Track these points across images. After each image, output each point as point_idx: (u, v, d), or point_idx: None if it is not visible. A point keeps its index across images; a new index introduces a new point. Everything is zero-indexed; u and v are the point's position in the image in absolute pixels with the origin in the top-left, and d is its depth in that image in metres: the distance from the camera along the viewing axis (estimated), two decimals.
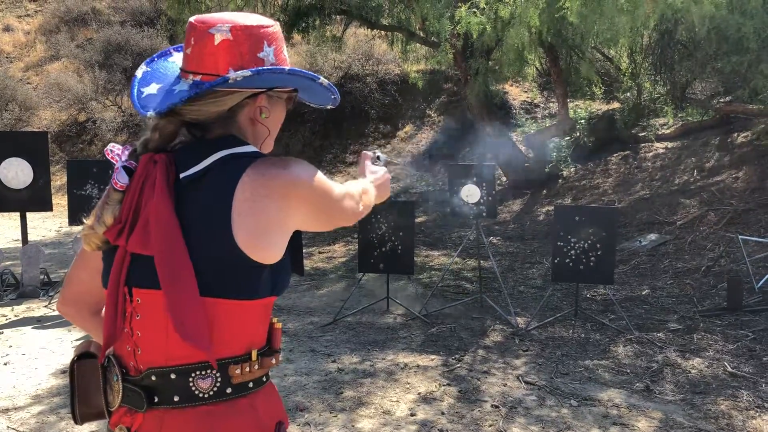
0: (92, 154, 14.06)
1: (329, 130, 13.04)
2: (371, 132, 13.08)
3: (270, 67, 1.24)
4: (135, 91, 1.28)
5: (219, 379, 1.21)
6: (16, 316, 5.73)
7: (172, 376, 1.20)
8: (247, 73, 1.19)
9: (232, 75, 1.18)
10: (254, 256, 1.18)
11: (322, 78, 1.28)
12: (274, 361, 1.30)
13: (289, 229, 1.25)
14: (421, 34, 10.50)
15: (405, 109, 13.35)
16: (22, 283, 6.37)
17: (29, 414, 3.79)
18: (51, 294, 6.27)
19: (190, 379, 1.20)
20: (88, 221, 1.25)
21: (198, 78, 1.24)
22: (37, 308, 5.94)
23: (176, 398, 1.21)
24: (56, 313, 5.76)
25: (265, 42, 1.26)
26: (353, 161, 12.39)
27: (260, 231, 1.18)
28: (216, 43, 1.22)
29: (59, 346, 4.95)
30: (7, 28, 18.85)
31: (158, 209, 1.19)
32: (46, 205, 6.59)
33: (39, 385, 4.22)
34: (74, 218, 6.37)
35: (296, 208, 1.23)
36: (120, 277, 1.22)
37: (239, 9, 9.79)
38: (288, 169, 1.21)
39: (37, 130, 13.63)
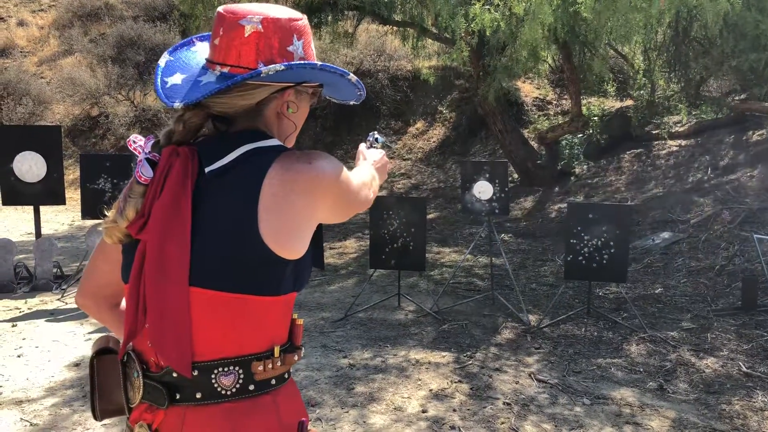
0: (105, 149, 14.12)
1: (340, 126, 13.03)
2: (382, 128, 13.05)
3: (302, 62, 1.22)
4: (159, 80, 1.25)
5: (242, 376, 1.20)
6: (29, 309, 5.76)
7: (195, 372, 1.18)
8: (280, 67, 1.16)
9: (265, 69, 1.16)
10: (280, 251, 1.17)
11: (351, 74, 1.26)
12: (296, 357, 1.28)
13: (314, 224, 1.24)
14: (434, 30, 10.46)
15: (416, 105, 13.32)
16: (36, 276, 6.41)
17: (42, 406, 3.81)
18: (64, 287, 6.30)
19: (213, 376, 1.19)
20: (109, 214, 1.23)
21: (226, 69, 1.22)
22: (51, 301, 5.97)
23: (198, 395, 1.19)
24: (69, 306, 5.79)
25: (295, 35, 1.24)
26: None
27: (287, 227, 1.17)
28: (246, 34, 1.20)
29: (72, 339, 4.97)
30: (21, 23, 18.95)
31: (169, 200, 1.17)
32: (59, 199, 6.62)
33: (52, 377, 4.25)
34: (87, 212, 6.39)
35: (322, 202, 1.22)
36: (141, 271, 1.19)
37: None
38: (313, 164, 1.20)
39: (50, 124, 13.70)
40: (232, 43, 1.21)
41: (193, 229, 1.17)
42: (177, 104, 1.19)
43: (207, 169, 1.19)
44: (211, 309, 1.17)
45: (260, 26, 1.20)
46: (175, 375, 1.19)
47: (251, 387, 1.21)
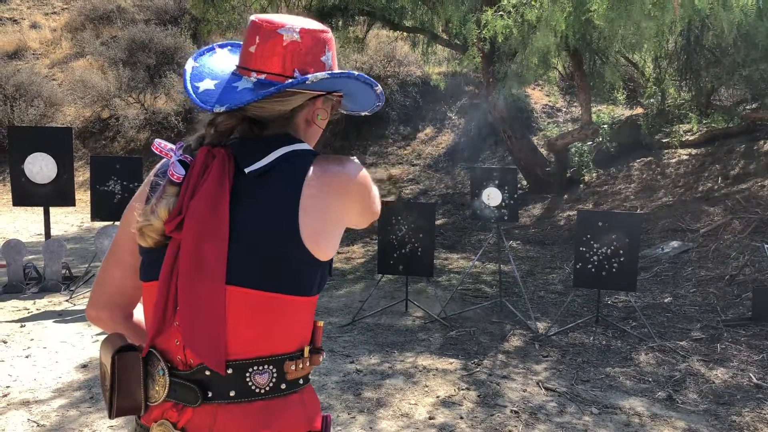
0: (115, 151, 14.19)
1: (349, 132, 13.04)
2: (391, 134, 13.07)
3: (343, 71, 1.27)
4: (189, 85, 1.29)
5: (275, 375, 1.23)
6: (38, 309, 5.78)
7: (229, 371, 1.20)
8: (324, 75, 1.22)
9: (311, 77, 1.21)
10: (316, 252, 1.22)
11: (378, 86, 1.33)
12: (321, 358, 1.32)
13: (344, 226, 1.29)
14: (444, 36, 10.47)
15: (425, 111, 13.32)
16: (45, 277, 6.43)
17: (50, 407, 3.81)
18: (72, 288, 6.32)
19: (247, 375, 1.21)
20: (140, 217, 1.24)
21: (263, 77, 1.26)
22: (59, 302, 5.99)
23: (232, 393, 1.20)
24: (77, 307, 5.80)
25: (326, 46, 1.31)
26: (373, 162, 12.39)
27: (323, 227, 1.22)
28: (284, 44, 1.26)
29: (80, 341, 4.98)
30: (34, 25, 19.10)
31: (207, 199, 1.19)
32: (69, 200, 6.65)
33: (60, 378, 4.25)
34: (96, 214, 6.42)
35: (352, 203, 1.28)
36: (173, 269, 1.21)
37: (263, 9, 9.83)
38: (345, 167, 1.27)
39: (61, 125, 13.77)
40: (269, 51, 1.27)
41: (231, 227, 1.19)
42: (218, 108, 1.22)
43: (247, 170, 1.22)
44: (247, 308, 1.19)
45: (298, 36, 1.26)
46: (208, 373, 1.20)
47: (283, 386, 1.24)
